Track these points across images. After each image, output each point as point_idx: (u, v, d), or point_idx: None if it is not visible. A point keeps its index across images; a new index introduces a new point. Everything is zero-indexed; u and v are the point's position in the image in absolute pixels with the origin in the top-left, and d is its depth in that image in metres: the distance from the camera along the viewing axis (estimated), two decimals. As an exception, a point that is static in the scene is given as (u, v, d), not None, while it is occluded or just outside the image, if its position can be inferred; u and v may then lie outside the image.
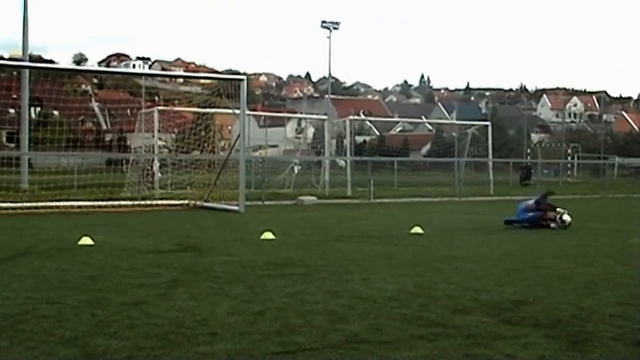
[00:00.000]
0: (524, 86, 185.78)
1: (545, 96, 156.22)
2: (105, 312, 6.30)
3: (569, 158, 59.50)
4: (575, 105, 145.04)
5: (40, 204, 20.12)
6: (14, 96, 39.36)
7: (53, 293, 7.20)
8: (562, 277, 8.69)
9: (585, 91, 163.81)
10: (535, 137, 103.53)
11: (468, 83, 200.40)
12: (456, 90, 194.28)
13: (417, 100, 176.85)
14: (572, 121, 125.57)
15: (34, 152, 32.09)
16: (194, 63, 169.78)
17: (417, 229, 14.09)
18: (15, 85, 37.08)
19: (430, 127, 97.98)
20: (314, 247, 11.80)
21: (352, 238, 13.33)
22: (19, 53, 33.00)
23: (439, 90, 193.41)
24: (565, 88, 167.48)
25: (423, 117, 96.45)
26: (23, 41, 31.64)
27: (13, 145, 51.80)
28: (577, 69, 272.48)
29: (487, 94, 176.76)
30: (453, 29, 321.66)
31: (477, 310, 6.65)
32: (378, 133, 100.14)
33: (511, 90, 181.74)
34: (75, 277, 8.22)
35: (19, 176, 29.16)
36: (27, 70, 30.85)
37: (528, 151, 61.30)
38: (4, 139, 59.72)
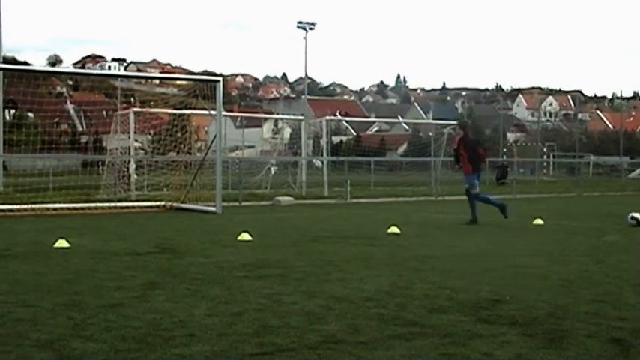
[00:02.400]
0: (500, 86, 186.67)
1: (520, 95, 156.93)
2: (81, 315, 6.27)
3: (545, 157, 59.79)
4: (551, 104, 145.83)
5: (15, 207, 20.00)
6: (-12, 98, 39.05)
7: (29, 296, 7.16)
8: (538, 276, 8.75)
9: (560, 90, 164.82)
10: (511, 136, 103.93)
11: (444, 83, 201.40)
12: (433, 90, 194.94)
13: (394, 100, 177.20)
14: (548, 120, 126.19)
15: (9, 154, 31.88)
16: (170, 64, 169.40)
17: (394, 229, 14.12)
18: (-11, 88, 36.81)
19: (407, 127, 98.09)
20: (291, 247, 11.80)
21: (329, 238, 13.35)
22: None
23: (415, 90, 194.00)
24: (540, 88, 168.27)
25: (400, 117, 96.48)
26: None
27: (-13, 147, 51.42)
28: (552, 69, 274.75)
29: (463, 93, 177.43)
30: (429, 29, 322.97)
31: (454, 309, 6.68)
32: (354, 133, 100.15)
33: (487, 89, 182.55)
34: (51, 280, 8.18)
35: (-6, 178, 28.98)
36: (1, 72, 30.64)
37: (504, 150, 61.54)
38: (-21, 142, 59.21)
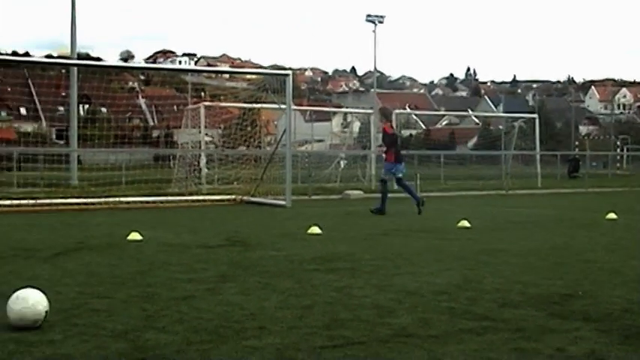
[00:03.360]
0: (572, 78, 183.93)
1: (593, 87, 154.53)
2: (154, 306, 6.35)
3: (618, 150, 58.80)
4: (625, 96, 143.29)
5: (89, 200, 20.37)
6: (63, 94, 39.91)
7: (104, 288, 7.28)
8: (611, 271, 8.59)
9: (635, 82, 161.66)
10: (583, 129, 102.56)
11: (515, 76, 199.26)
12: (503, 83, 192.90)
13: (463, 94, 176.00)
14: (621, 113, 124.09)
15: (83, 149, 32.47)
16: (240, 59, 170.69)
17: (465, 223, 14.01)
18: (64, 83, 37.55)
19: (477, 121, 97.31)
20: (361, 241, 11.80)
21: (399, 232, 13.30)
22: (67, 52, 33.33)
23: (485, 83, 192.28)
24: (614, 79, 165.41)
25: (470, 110, 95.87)
26: (72, 39, 31.97)
27: (62, 142, 52.53)
28: (625, 60, 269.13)
29: (534, 86, 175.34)
30: (499, 21, 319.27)
31: (526, 303, 6.59)
32: (424, 127, 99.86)
33: (559, 82, 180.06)
34: (124, 272, 8.30)
35: (69, 173, 29.56)
36: (75, 68, 31.18)
37: (576, 143, 60.67)
38: (54, 137, 60.60)
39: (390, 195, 17.75)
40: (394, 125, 20.26)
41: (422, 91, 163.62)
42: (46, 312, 5.58)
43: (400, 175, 17.77)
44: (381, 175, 18.09)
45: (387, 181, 17.91)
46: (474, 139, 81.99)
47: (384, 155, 18.05)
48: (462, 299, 6.75)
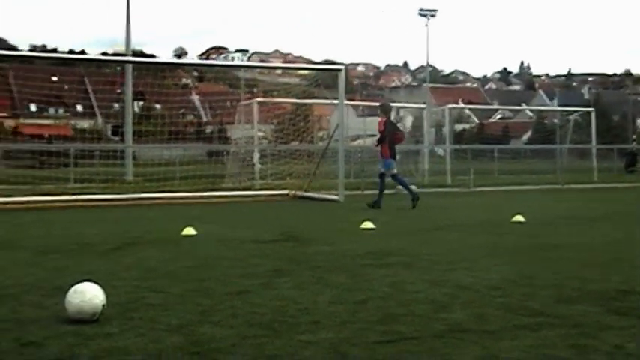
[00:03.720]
0: (629, 70, 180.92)
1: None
2: (209, 301, 6.40)
3: (678, 143, 57.81)
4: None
5: (144, 195, 20.59)
6: (118, 90, 40.43)
7: (159, 282, 7.35)
8: (671, 266, 8.46)
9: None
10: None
11: (570, 69, 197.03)
12: (557, 76, 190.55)
13: (517, 87, 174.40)
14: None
15: (138, 145, 32.88)
16: (292, 54, 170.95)
17: (519, 218, 13.88)
18: (119, 80, 38.04)
19: (531, 114, 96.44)
20: (414, 236, 11.76)
21: (453, 226, 13.23)
22: (122, 49, 33.77)
23: (539, 76, 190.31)
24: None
25: (524, 104, 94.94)
26: (126, 37, 32.38)
27: (117, 138, 53.14)
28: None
29: (590, 79, 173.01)
30: (553, 14, 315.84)
31: (582, 299, 6.51)
32: (477, 121, 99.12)
33: (615, 74, 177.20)
34: (179, 267, 8.38)
35: (124, 168, 29.93)
36: (130, 65, 31.54)
37: (634, 137, 59.83)
38: (110, 133, 61.36)
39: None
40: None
41: (475, 85, 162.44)
42: (104, 305, 5.65)
43: (395, 171, 18.14)
44: (379, 170, 18.31)
45: (385, 175, 18.03)
46: (528, 133, 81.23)
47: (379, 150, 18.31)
48: (517, 294, 6.69)
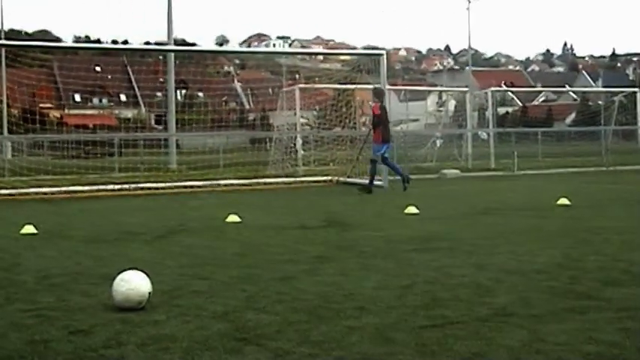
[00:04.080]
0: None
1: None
2: (254, 287, 6.43)
3: None
4: None
5: (188, 183, 20.73)
6: (161, 79, 40.68)
7: (204, 269, 7.40)
8: None
9: None
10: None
11: (614, 49, 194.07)
12: (601, 57, 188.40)
13: (560, 69, 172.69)
14: None
15: (181, 133, 33.08)
16: (333, 40, 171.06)
17: (564, 201, 13.75)
18: (161, 69, 38.27)
19: (574, 96, 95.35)
20: (458, 220, 11.71)
21: (497, 210, 13.15)
22: (164, 38, 33.92)
23: (583, 57, 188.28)
24: None
25: (567, 86, 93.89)
26: (168, 26, 32.49)
27: (161, 127, 53.55)
28: None
29: (634, 59, 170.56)
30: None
31: (630, 282, 6.44)
32: (520, 104, 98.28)
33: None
34: (224, 254, 8.43)
35: (168, 157, 30.13)
36: (172, 54, 31.68)
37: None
38: (153, 122, 61.81)
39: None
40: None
41: (517, 67, 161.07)
42: (150, 293, 5.71)
43: (387, 155, 18.33)
44: (371, 156, 18.43)
45: (376, 161, 18.08)
46: (572, 115, 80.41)
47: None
48: (563, 278, 6.64)
